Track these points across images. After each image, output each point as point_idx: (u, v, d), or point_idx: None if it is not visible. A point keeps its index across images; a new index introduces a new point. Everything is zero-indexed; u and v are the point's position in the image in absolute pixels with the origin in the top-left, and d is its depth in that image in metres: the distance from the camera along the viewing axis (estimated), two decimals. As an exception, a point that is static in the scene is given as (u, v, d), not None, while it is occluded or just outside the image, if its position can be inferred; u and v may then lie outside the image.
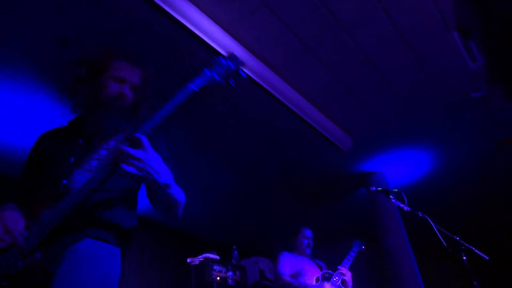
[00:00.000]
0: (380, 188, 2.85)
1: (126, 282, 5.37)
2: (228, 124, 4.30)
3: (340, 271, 3.30)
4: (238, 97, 3.89)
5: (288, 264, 3.45)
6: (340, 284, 3.24)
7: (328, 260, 3.86)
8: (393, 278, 4.81)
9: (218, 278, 4.19)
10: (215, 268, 4.27)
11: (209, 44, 3.14)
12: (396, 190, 2.71)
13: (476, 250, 2.31)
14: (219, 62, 1.39)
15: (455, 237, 2.34)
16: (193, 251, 4.77)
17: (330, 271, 3.36)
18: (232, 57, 1.41)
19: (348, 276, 3.29)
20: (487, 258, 2.31)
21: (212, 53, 3.21)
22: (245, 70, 3.37)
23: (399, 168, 5.56)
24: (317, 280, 3.30)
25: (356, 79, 3.90)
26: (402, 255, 4.84)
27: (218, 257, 4.50)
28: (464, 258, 2.30)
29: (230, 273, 4.40)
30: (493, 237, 7.61)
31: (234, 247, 4.88)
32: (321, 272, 3.37)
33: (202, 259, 4.42)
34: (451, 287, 8.02)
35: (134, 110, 1.51)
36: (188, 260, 4.57)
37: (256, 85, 3.61)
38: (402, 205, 2.58)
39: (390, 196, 2.70)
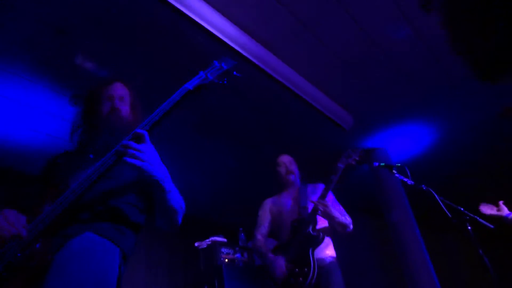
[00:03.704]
0: (383, 164, 2.84)
1: (134, 267, 5.46)
2: (230, 107, 4.28)
3: (314, 208, 2.64)
4: (239, 80, 3.86)
5: (267, 216, 2.92)
6: (311, 231, 2.58)
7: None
8: (398, 252, 4.87)
9: (226, 260, 4.25)
10: (223, 250, 4.32)
11: (201, 24, 3.09)
12: (399, 164, 2.71)
13: (480, 220, 2.33)
14: (212, 64, 1.61)
15: (459, 207, 2.35)
16: (200, 234, 4.82)
17: (302, 216, 2.71)
18: (225, 58, 1.64)
19: (322, 210, 2.61)
20: (492, 227, 2.33)
21: (205, 34, 3.17)
22: (244, 54, 3.35)
23: (401, 143, 5.56)
24: (292, 230, 2.69)
25: (354, 55, 3.86)
26: (406, 228, 4.88)
27: (225, 240, 4.55)
28: (469, 228, 2.32)
29: (237, 255, 4.45)
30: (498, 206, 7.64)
31: (241, 229, 4.93)
32: (294, 219, 2.75)
33: (209, 243, 4.47)
34: (457, 256, 8.12)
35: (132, 121, 1.65)
36: (196, 244, 4.62)
37: (254, 66, 3.58)
38: (405, 179, 2.59)
39: (393, 171, 2.69)
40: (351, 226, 2.69)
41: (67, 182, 1.38)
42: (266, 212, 2.94)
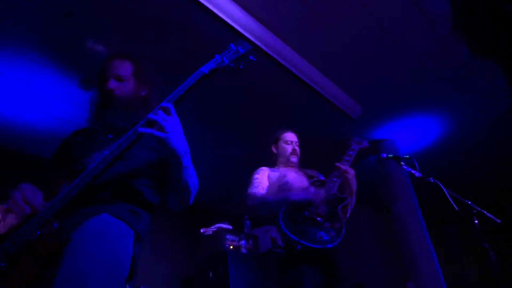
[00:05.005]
0: (391, 155, 2.83)
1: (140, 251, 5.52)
2: (236, 94, 4.27)
3: (338, 170, 2.46)
4: (248, 66, 3.85)
5: (265, 181, 2.61)
6: (336, 191, 2.42)
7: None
8: (403, 244, 4.87)
9: (231, 247, 4.28)
10: (228, 237, 4.35)
11: (211, 10, 3.07)
12: (407, 156, 2.69)
13: (487, 214, 2.31)
14: (229, 47, 1.57)
15: (466, 201, 2.33)
16: (206, 221, 4.86)
17: (322, 178, 2.57)
18: (241, 42, 1.59)
19: (351, 174, 2.46)
20: (499, 221, 2.32)
21: (215, 20, 3.15)
22: (254, 40, 3.31)
23: (410, 134, 5.52)
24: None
25: (365, 45, 3.81)
26: (412, 220, 4.88)
27: (230, 227, 4.58)
28: (476, 222, 2.31)
29: (242, 242, 4.48)
30: (505, 201, 7.60)
31: (246, 216, 4.96)
32: (309, 181, 2.55)
33: (215, 229, 4.51)
34: (462, 249, 8.11)
35: (137, 97, 1.61)
36: (202, 231, 4.66)
37: (263, 54, 3.55)
38: (413, 171, 2.57)
39: (401, 162, 2.68)
40: None
41: (84, 162, 1.39)
42: (264, 177, 2.64)
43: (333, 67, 4.07)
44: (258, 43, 3.43)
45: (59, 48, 3.39)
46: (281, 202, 2.29)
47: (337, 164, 2.49)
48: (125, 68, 1.62)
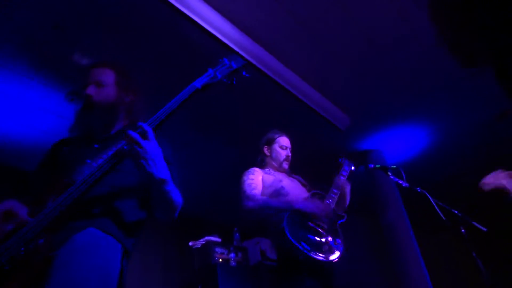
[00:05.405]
0: (379, 165, 2.85)
1: (129, 265, 5.42)
2: (226, 105, 4.27)
3: (336, 185, 2.45)
4: (236, 78, 3.86)
5: (260, 183, 2.52)
6: (334, 206, 2.39)
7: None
8: (392, 253, 4.88)
9: (220, 260, 4.24)
10: (217, 250, 4.31)
11: (197, 22, 3.08)
12: (394, 166, 2.71)
13: (474, 222, 2.34)
14: (222, 62, 1.57)
15: (453, 210, 2.36)
16: (194, 234, 4.81)
17: (319, 191, 2.50)
18: (235, 57, 1.59)
19: (348, 188, 2.52)
20: (485, 229, 2.34)
21: (201, 32, 3.16)
22: (240, 52, 3.33)
23: (397, 145, 5.58)
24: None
25: (352, 55, 3.86)
26: (400, 230, 4.90)
27: (219, 239, 4.54)
28: (463, 230, 2.33)
29: (232, 255, 4.44)
30: (493, 209, 7.69)
31: (235, 228, 4.92)
32: (308, 193, 2.50)
33: (203, 242, 4.46)
34: (451, 257, 8.14)
35: (120, 103, 1.61)
36: (190, 244, 4.61)
37: (250, 65, 3.57)
38: (400, 181, 2.59)
39: (389, 173, 2.70)
40: None
41: (72, 175, 1.38)
42: (258, 179, 2.54)
43: (321, 78, 4.11)
44: (245, 55, 3.45)
45: (46, 60, 3.36)
46: (284, 209, 2.24)
47: (343, 174, 2.54)
48: (106, 74, 1.62)
